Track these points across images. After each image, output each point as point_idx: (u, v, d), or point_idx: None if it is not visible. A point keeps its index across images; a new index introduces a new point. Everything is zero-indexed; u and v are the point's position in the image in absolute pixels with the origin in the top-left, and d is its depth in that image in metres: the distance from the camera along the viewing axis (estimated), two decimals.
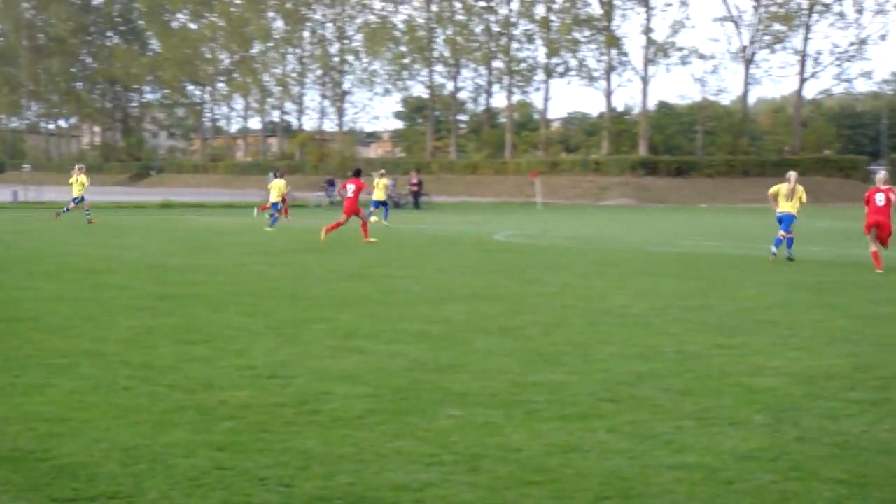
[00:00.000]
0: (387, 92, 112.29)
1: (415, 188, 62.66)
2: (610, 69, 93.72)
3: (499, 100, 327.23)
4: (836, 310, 14.31)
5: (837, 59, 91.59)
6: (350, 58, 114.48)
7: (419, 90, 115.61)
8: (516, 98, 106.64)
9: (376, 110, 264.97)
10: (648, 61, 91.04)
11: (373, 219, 39.01)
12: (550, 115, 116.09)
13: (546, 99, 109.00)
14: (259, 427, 7.35)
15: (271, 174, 42.93)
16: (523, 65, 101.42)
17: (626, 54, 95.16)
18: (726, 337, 11.77)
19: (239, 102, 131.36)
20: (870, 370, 9.78)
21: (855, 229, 38.19)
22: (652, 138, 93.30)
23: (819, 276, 19.64)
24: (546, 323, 12.75)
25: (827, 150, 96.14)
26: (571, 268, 20.70)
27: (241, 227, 36.65)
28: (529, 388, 8.78)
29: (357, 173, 30.04)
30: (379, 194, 41.61)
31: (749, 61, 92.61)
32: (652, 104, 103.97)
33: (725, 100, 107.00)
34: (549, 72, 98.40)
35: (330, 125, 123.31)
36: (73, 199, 39.11)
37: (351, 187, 29.41)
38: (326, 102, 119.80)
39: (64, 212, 40.01)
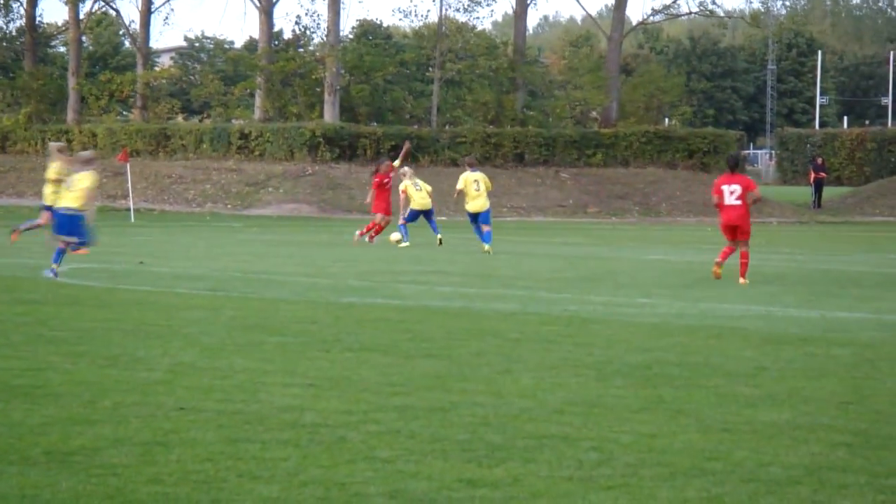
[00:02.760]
0: None
1: None
2: None
3: (53, 8, 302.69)
4: (680, 415, 12.58)
5: None
6: None
7: None
8: (91, 6, 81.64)
9: None
10: None
11: (394, 237, 37.36)
12: (157, 43, 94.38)
13: (148, 11, 78.09)
14: None
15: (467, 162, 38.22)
16: None
17: None
18: (482, 466, 10.28)
19: None
20: None
21: (702, 265, 37.67)
22: (348, 92, 74.47)
23: (653, 349, 17.27)
24: (140, 441, 10.75)
25: (671, 119, 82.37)
26: (193, 334, 18.22)
27: None
28: None
29: (735, 164, 26.72)
30: (420, 199, 37.98)
31: None
32: (349, 28, 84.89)
33: (485, 23, 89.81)
34: None
35: None
36: None
37: (733, 189, 25.92)
38: None
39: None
